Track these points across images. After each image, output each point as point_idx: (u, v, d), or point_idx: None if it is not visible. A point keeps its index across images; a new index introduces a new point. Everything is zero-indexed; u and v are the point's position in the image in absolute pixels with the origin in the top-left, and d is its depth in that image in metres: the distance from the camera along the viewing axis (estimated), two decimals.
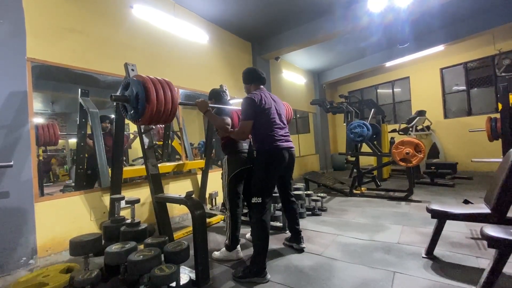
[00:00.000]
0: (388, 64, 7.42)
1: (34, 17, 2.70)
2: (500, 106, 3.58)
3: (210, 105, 2.33)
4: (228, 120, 2.33)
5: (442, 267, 2.07)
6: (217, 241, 2.96)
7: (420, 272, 2.01)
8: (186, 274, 1.99)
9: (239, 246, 2.49)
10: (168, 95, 1.89)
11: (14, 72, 2.38)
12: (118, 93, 1.94)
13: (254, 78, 2.38)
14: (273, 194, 2.39)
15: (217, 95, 2.69)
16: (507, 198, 1.96)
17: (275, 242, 2.78)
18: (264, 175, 2.19)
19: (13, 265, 2.21)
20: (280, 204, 2.83)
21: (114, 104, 2.80)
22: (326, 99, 8.00)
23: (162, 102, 1.84)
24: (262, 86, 2.39)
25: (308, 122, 9.32)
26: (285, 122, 2.42)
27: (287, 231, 3.00)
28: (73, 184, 3.56)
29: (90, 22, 3.20)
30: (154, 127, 2.31)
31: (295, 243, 2.60)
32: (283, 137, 2.27)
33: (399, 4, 4.24)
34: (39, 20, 2.76)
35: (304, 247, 2.56)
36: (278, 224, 3.21)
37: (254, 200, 2.15)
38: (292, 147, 2.33)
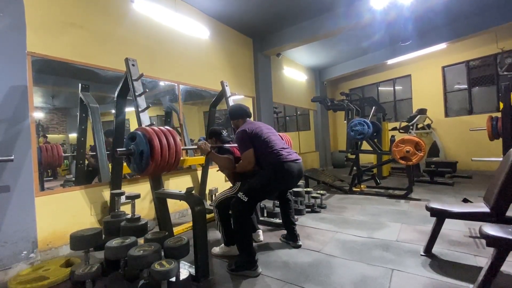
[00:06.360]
0: (390, 61, 7.37)
1: (34, 11, 2.67)
2: (501, 105, 3.57)
3: (211, 145, 2.42)
4: (231, 157, 2.42)
5: (440, 265, 2.08)
6: (216, 237, 2.97)
7: (418, 270, 2.02)
8: (185, 269, 2.00)
9: None
10: (172, 147, 1.90)
11: (14, 66, 2.36)
12: (123, 148, 1.98)
13: (240, 114, 2.50)
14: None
15: (216, 134, 2.72)
16: (506, 197, 1.96)
17: (275, 239, 2.80)
18: (263, 186, 2.18)
19: (14, 258, 2.22)
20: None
21: (115, 99, 2.81)
22: (327, 96, 8.00)
23: (166, 157, 1.86)
24: (248, 119, 2.51)
25: (308, 119, 9.31)
26: (280, 139, 2.42)
27: None
28: (74, 179, 3.56)
29: (91, 16, 3.18)
30: (154, 123, 2.29)
31: (291, 241, 2.62)
32: (283, 150, 2.25)
33: (402, 1, 4.20)
34: (40, 14, 2.74)
35: (300, 245, 2.57)
36: (278, 220, 3.22)
37: (240, 195, 2.14)
38: (298, 159, 2.29)
